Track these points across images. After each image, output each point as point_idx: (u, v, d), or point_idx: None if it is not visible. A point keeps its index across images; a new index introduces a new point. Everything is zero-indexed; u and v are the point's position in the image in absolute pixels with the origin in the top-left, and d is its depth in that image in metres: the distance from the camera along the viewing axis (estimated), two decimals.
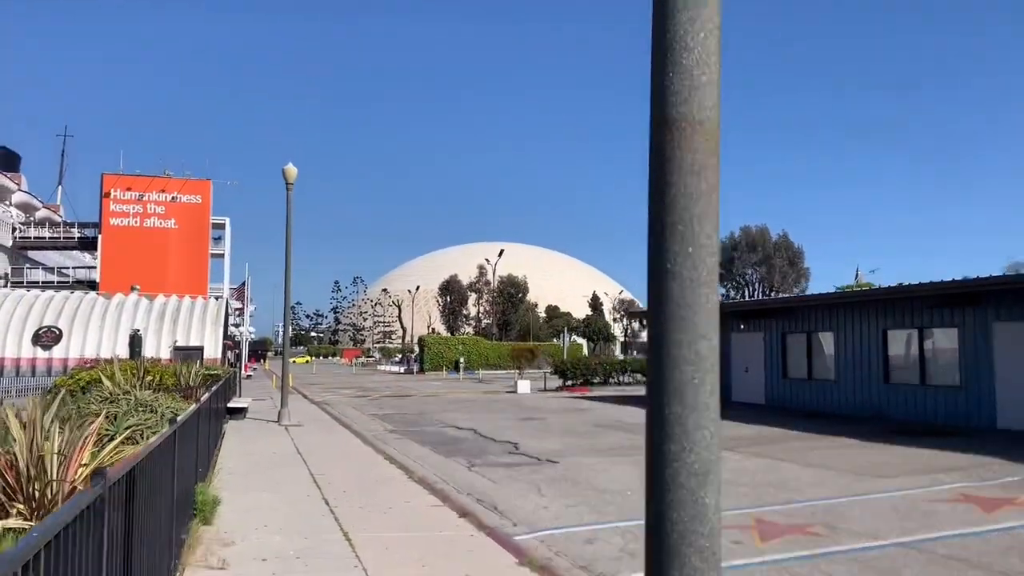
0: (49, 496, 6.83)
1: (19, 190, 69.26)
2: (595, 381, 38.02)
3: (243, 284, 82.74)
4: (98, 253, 67.28)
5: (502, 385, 40.95)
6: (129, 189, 68.00)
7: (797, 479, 11.68)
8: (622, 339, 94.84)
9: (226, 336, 45.35)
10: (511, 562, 7.10)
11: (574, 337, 72.60)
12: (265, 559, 7.07)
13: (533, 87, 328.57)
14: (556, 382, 38.70)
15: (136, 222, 67.85)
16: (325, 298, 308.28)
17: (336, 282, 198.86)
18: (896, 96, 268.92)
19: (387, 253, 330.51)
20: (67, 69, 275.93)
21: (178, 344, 37.49)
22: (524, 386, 35.61)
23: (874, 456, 14.07)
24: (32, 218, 69.88)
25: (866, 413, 21.47)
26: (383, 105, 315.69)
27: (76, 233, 69.84)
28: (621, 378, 39.34)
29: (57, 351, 38.81)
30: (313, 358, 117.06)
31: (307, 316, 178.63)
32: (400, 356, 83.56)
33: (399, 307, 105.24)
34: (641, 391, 34.10)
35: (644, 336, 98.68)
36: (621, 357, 57.36)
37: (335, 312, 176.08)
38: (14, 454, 6.88)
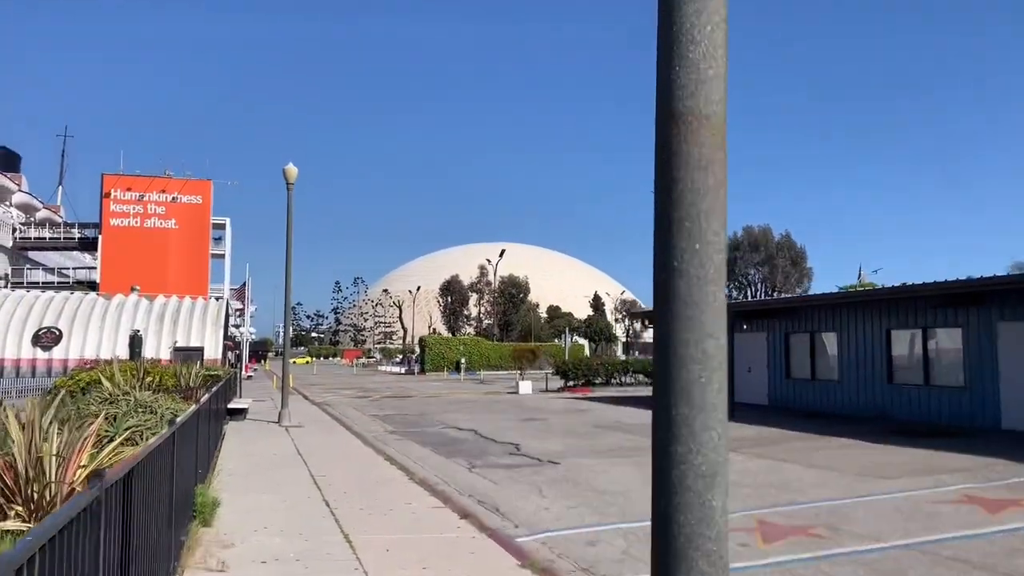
0: (48, 498, 6.79)
1: (19, 191, 69.29)
2: (597, 382, 37.96)
3: (244, 285, 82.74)
4: (98, 254, 67.28)
5: (503, 386, 40.90)
6: (129, 189, 68.00)
7: (800, 480, 11.62)
8: (624, 339, 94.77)
9: (226, 337, 45.32)
10: (513, 564, 7.05)
11: (576, 337, 72.59)
12: (265, 561, 7.02)
13: (534, 87, 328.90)
14: (558, 383, 38.65)
15: (136, 222, 67.84)
16: (326, 299, 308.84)
17: (337, 282, 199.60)
18: (899, 96, 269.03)
19: (388, 253, 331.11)
20: (67, 69, 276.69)
21: (178, 345, 37.42)
22: (525, 387, 35.55)
23: (877, 457, 14.01)
24: (32, 219, 69.88)
25: (869, 413, 21.40)
26: (384, 105, 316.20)
27: (76, 234, 69.85)
28: (623, 379, 39.29)
29: (57, 352, 38.77)
30: (314, 359, 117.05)
31: (308, 317, 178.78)
32: (401, 357, 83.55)
33: (400, 307, 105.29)
34: (643, 392, 34.04)
35: (646, 336, 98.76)
36: (623, 357, 57.28)
37: (336, 313, 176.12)
38: (13, 456, 6.84)
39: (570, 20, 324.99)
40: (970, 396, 18.80)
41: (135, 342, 30.00)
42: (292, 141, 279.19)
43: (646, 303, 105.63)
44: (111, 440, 8.66)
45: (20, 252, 66.44)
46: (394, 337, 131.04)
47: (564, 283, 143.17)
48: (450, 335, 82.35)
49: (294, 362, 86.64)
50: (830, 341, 23.77)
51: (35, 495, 6.75)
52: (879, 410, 21.25)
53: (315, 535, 8.03)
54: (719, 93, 2.46)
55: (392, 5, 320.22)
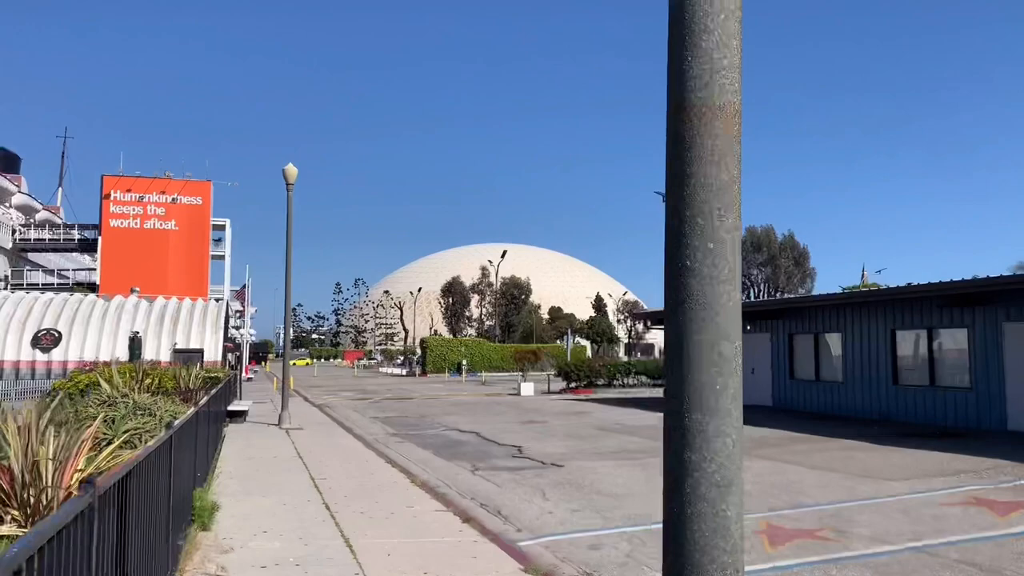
0: (44, 502, 6.71)
1: (19, 192, 69.33)
2: (599, 383, 37.85)
3: (244, 286, 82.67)
4: (98, 255, 67.32)
5: (505, 387, 40.80)
6: (129, 191, 68.04)
7: (805, 482, 11.53)
8: (626, 340, 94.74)
9: (227, 338, 45.25)
10: (515, 568, 6.97)
11: (577, 339, 72.46)
12: (264, 566, 6.93)
13: (535, 87, 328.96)
14: (560, 384, 38.57)
15: (136, 224, 67.87)
16: (327, 300, 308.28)
17: (337, 284, 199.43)
18: (903, 94, 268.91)
19: (389, 255, 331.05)
20: (67, 70, 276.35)
21: (178, 346, 37.35)
22: (527, 388, 35.45)
23: (883, 459, 13.90)
24: (32, 220, 69.92)
25: (874, 415, 21.29)
26: (385, 105, 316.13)
27: (76, 235, 69.92)
28: (625, 380, 39.18)
29: (56, 354, 38.68)
30: (314, 360, 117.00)
31: (308, 318, 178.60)
32: (402, 358, 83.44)
33: (401, 309, 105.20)
34: (646, 394, 33.96)
35: (648, 338, 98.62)
36: (625, 359, 57.23)
37: (336, 314, 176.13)
38: (9, 459, 6.75)
39: (570, 20, 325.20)
40: (976, 397, 18.68)
41: (135, 344, 29.96)
42: (292, 141, 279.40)
43: (648, 304, 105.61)
44: (109, 443, 8.57)
45: (20, 253, 66.47)
46: (395, 338, 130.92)
47: (566, 284, 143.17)
48: (451, 336, 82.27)
49: (294, 364, 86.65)
50: (834, 342, 23.67)
51: (32, 499, 6.66)
52: (884, 412, 21.14)
53: (315, 539, 7.94)
54: (734, 83, 2.37)
55: (392, 5, 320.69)
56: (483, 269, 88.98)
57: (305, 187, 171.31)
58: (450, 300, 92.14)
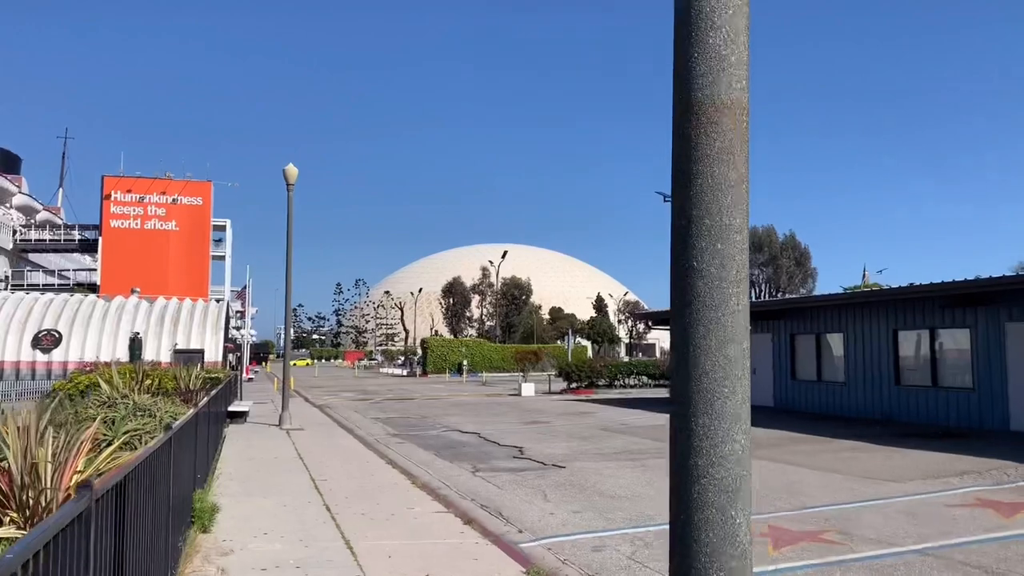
0: (43, 504, 6.67)
1: (20, 192, 69.37)
2: (600, 384, 37.80)
3: (244, 287, 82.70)
4: (98, 255, 67.30)
5: (506, 388, 40.77)
6: (129, 191, 68.03)
7: (809, 484, 11.47)
8: (627, 341, 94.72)
9: (227, 339, 45.25)
10: (517, 570, 6.93)
11: (578, 339, 72.47)
12: (265, 568, 6.89)
13: (536, 86, 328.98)
14: (560, 385, 38.53)
15: (137, 224, 67.86)
16: (327, 301, 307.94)
17: (338, 284, 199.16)
18: (905, 94, 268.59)
19: (389, 255, 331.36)
20: (67, 70, 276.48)
21: (179, 347, 37.34)
22: (528, 389, 35.41)
23: (886, 460, 13.85)
24: (32, 220, 69.93)
25: (876, 415, 21.24)
26: (385, 105, 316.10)
27: (76, 235, 69.91)
28: (627, 380, 39.15)
29: (57, 354, 38.67)
30: (315, 361, 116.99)
31: (309, 319, 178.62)
32: (403, 359, 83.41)
33: (401, 309, 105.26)
34: (648, 394, 33.93)
35: (649, 338, 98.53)
36: (626, 359, 57.16)
37: (337, 315, 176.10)
38: (7, 461, 6.71)
39: (570, 20, 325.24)
40: (978, 398, 18.63)
41: (135, 344, 29.95)
42: (292, 141, 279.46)
43: (649, 304, 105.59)
44: (109, 444, 8.53)
45: (20, 254, 66.48)
46: (396, 339, 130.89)
47: (566, 284, 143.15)
48: (452, 337, 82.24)
49: (295, 364, 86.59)
50: (836, 342, 23.61)
51: (31, 501, 6.62)
52: (886, 412, 21.08)
53: (316, 541, 7.90)
54: (741, 80, 2.32)
55: (392, 4, 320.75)
56: (484, 269, 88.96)
57: (305, 187, 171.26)
58: (451, 300, 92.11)
